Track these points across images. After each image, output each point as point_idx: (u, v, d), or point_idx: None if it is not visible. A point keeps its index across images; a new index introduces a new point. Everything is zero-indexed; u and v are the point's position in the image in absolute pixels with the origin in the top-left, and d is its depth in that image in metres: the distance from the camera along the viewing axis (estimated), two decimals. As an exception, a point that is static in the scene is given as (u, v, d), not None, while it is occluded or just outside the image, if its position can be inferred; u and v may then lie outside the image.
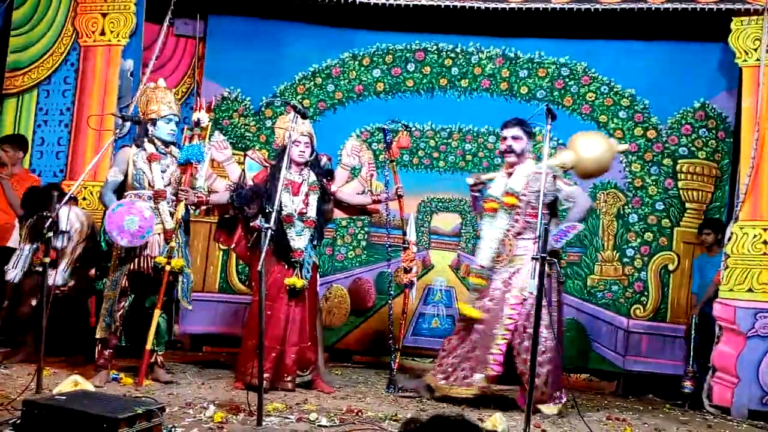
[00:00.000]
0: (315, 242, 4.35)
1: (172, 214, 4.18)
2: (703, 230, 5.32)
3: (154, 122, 4.22)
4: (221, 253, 5.87)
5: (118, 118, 4.30)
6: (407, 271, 4.60)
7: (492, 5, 5.35)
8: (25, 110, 5.66)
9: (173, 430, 3.00)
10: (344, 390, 4.39)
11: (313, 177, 4.36)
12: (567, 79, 5.79)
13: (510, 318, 3.99)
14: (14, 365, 4.36)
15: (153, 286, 4.16)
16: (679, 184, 5.53)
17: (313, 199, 4.30)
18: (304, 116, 3.71)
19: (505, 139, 4.21)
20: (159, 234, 4.14)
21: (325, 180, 4.41)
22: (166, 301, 4.14)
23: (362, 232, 5.96)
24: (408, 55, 6.02)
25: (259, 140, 6.04)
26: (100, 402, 3.06)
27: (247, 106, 6.08)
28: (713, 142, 5.51)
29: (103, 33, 5.63)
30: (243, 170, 4.49)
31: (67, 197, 4.03)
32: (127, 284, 4.12)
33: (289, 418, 3.37)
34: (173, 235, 4.16)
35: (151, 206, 4.09)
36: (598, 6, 5.18)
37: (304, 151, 4.32)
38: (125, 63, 5.61)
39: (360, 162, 4.68)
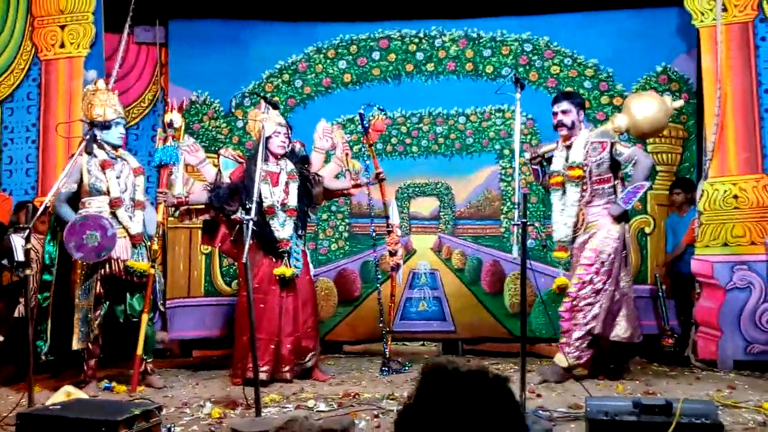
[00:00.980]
0: (300, 231, 4.37)
1: (131, 218, 4.14)
2: (673, 190, 5.43)
3: (103, 126, 4.15)
4: (204, 257, 5.84)
5: (86, 124, 4.25)
6: (392, 254, 4.63)
7: (451, -14, 5.40)
8: (-10, 130, 5.59)
9: (172, 428, 3.00)
10: (339, 377, 4.42)
11: (291, 166, 4.37)
12: (531, 55, 5.86)
13: (578, 277, 4.15)
14: (2, 387, 4.30)
15: (124, 293, 4.13)
16: (649, 147, 5.62)
17: (293, 188, 4.32)
18: (275, 107, 3.73)
19: (555, 114, 4.32)
20: (125, 237, 4.10)
21: (304, 166, 4.42)
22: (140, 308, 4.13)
23: (344, 224, 5.97)
24: (372, 43, 6.03)
25: (232, 142, 6.00)
26: (96, 407, 3.06)
27: (217, 108, 6.05)
28: (678, 104, 5.61)
29: (62, 45, 5.56)
30: (218, 170, 4.48)
31: (41, 210, 3.96)
32: (101, 291, 4.08)
33: (288, 407, 3.39)
34: (143, 240, 4.15)
35: (110, 219, 4.02)
36: (555, -22, 5.26)
37: (284, 142, 4.32)
38: (88, 74, 5.54)
39: (333, 143, 4.69)
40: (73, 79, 5.53)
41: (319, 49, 6.07)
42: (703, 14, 5.02)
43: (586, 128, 4.40)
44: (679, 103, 4.76)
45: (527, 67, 5.86)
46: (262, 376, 3.89)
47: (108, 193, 4.10)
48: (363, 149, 4.86)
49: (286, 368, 4.21)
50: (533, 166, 4.50)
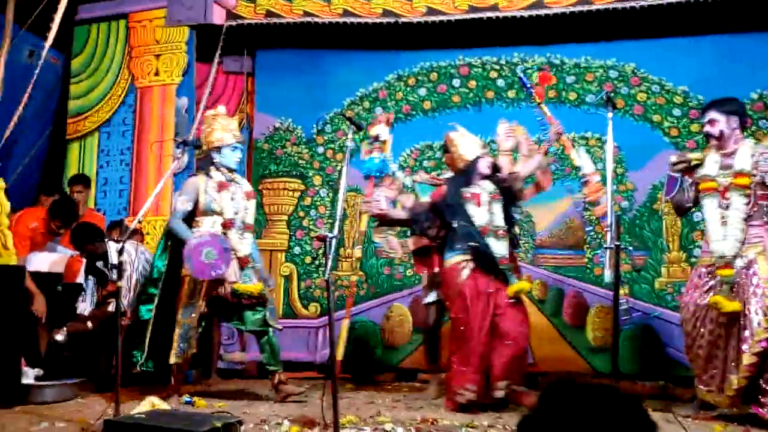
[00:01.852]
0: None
1: (240, 240, 4.24)
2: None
3: (219, 150, 4.27)
4: (283, 279, 5.93)
5: (178, 144, 4.44)
6: (594, 204, 4.18)
7: (534, 12, 5.37)
8: (88, 153, 5.91)
9: (251, 443, 3.01)
10: (416, 403, 4.33)
11: (492, 186, 4.28)
12: (616, 82, 5.73)
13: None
14: (90, 396, 4.45)
15: (234, 313, 4.26)
16: (743, 177, 5.36)
17: (497, 208, 4.23)
18: (359, 128, 3.76)
19: (703, 125, 4.01)
20: (234, 259, 4.19)
21: (498, 177, 4.33)
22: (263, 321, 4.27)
23: (419, 249, 5.93)
24: (452, 71, 6.05)
25: (313, 167, 6.13)
26: (180, 418, 3.11)
27: (299, 134, 6.20)
28: (775, 132, 5.34)
29: (157, 74, 5.86)
30: (415, 195, 4.63)
31: (130, 230, 4.14)
32: (206, 310, 4.20)
33: (365, 429, 3.34)
34: (250, 262, 4.25)
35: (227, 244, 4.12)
36: (642, 3, 5.14)
37: (490, 163, 4.31)
38: (179, 101, 5.83)
39: (517, 142, 4.55)
40: (166, 106, 5.81)
41: (399, 76, 6.13)
42: (803, 37, 4.78)
43: (748, 139, 4.01)
44: None
45: (613, 95, 5.71)
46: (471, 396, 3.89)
47: (221, 213, 4.21)
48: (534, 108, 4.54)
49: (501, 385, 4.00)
50: (673, 174, 4.03)
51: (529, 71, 4.81)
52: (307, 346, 5.76)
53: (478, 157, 4.27)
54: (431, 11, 5.55)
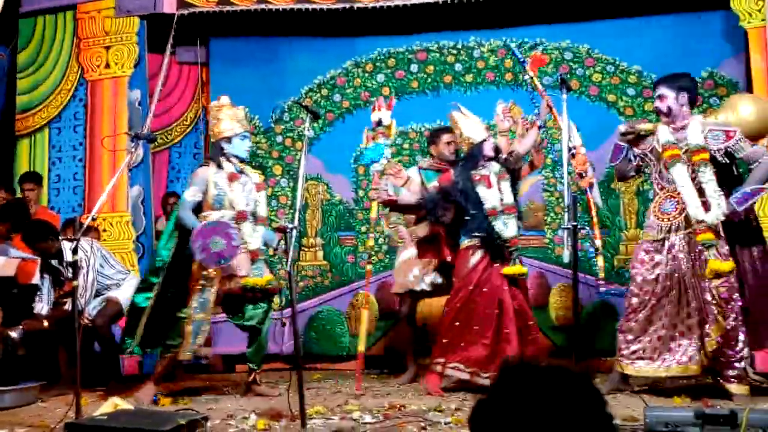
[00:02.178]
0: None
1: (253, 233, 4.16)
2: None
3: (229, 140, 4.16)
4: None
5: (131, 138, 4.33)
6: (582, 176, 4.18)
7: (489, -5, 5.36)
8: (39, 149, 5.73)
9: (218, 439, 2.98)
10: (384, 390, 4.35)
11: (497, 166, 4.30)
12: (571, 63, 5.78)
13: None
14: (51, 398, 4.35)
15: (242, 306, 4.21)
16: (696, 154, 5.47)
17: (506, 186, 4.26)
18: (316, 116, 3.72)
19: (654, 100, 4.00)
20: (245, 253, 4.09)
21: (501, 157, 4.36)
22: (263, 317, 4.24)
23: (383, 236, 5.93)
24: (410, 56, 6.03)
25: (272, 156, 6.06)
26: (143, 417, 3.06)
27: (257, 124, 6.11)
28: (725, 109, 5.45)
29: (107, 66, 5.70)
30: (422, 181, 4.56)
31: (83, 227, 4.02)
32: (216, 306, 4.13)
33: (332, 419, 3.33)
34: (261, 255, 4.20)
35: (236, 231, 4.01)
36: (595, -16, 5.19)
37: (494, 144, 4.33)
38: (132, 93, 5.68)
39: (514, 122, 4.57)
40: (118, 99, 5.66)
41: (357, 63, 6.09)
42: (750, 15, 4.89)
43: (697, 115, 4.02)
44: None
45: (568, 76, 5.77)
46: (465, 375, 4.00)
47: (231, 207, 4.08)
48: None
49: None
50: (619, 143, 4.03)
51: (524, 52, 4.84)
52: (273, 338, 5.70)
53: (483, 140, 4.30)
54: (387, -4, 5.50)
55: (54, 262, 4.59)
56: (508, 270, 4.12)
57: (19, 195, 5.41)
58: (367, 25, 5.87)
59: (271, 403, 3.86)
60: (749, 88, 5.07)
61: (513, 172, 4.37)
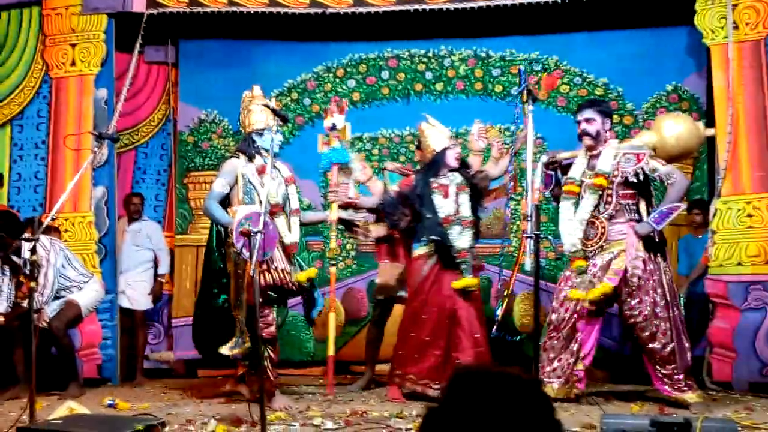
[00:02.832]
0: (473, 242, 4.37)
1: (289, 227, 4.09)
2: (692, 210, 5.34)
3: (260, 133, 4.06)
4: (210, 275, 5.79)
5: (95, 137, 4.25)
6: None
7: (461, 5, 5.40)
8: (0, 147, 5.60)
9: (175, 445, 2.94)
10: (346, 396, 4.33)
11: (460, 178, 4.35)
12: (540, 74, 5.85)
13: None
14: (5, 401, 4.24)
15: (282, 301, 4.19)
16: (660, 167, 5.57)
17: (464, 199, 4.29)
18: (285, 120, 3.71)
19: (579, 123, 4.11)
20: (277, 248, 3.96)
21: (468, 172, 4.42)
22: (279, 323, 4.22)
23: (350, 242, 5.92)
24: (381, 63, 6.05)
25: (240, 159, 6.01)
26: (98, 423, 3.01)
27: (226, 127, 6.06)
28: (688, 123, 5.56)
29: (73, 63, 5.59)
30: (384, 183, 4.59)
31: (42, 226, 3.92)
32: (251, 301, 4.04)
33: (294, 425, 3.31)
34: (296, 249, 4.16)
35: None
36: (564, -3, 5.26)
37: (459, 154, 4.38)
38: (98, 92, 5.58)
39: (489, 143, 4.63)
40: (83, 97, 5.55)
41: (328, 68, 6.08)
42: (713, 32, 5.00)
43: (614, 140, 4.21)
44: (711, 131, 4.55)
45: (537, 86, 5.83)
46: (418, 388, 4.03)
47: (259, 201, 3.88)
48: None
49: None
50: (547, 172, 4.22)
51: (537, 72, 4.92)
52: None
53: (446, 148, 4.31)
54: (359, 2, 5.50)
55: (14, 258, 4.49)
56: (457, 284, 4.14)
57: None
58: (339, 31, 5.87)
59: (232, 408, 3.83)
60: (710, 104, 5.19)
61: (476, 188, 4.40)
